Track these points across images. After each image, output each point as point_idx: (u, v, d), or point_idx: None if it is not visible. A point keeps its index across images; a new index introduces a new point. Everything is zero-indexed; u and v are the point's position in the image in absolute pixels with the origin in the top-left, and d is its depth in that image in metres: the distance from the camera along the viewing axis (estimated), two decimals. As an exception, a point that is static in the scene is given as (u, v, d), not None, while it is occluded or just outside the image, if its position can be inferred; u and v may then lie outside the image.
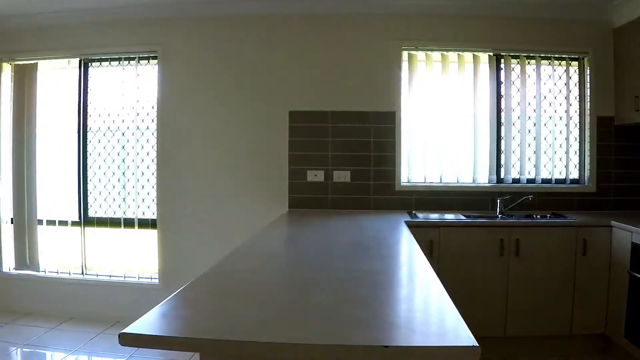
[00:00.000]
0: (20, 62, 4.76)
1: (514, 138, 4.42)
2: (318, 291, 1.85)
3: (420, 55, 4.42)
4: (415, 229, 3.43)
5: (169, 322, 1.50)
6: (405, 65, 4.38)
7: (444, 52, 4.39)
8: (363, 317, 1.54)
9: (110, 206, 4.69)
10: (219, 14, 4.40)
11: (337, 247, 2.74)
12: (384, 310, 1.65)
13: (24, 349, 4.01)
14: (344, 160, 4.32)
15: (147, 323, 1.45)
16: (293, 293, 1.87)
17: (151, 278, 4.63)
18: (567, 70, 4.39)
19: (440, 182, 4.39)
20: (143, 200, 4.62)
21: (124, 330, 1.36)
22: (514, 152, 4.42)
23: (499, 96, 4.41)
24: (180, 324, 1.50)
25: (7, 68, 4.79)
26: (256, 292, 1.86)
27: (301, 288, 1.92)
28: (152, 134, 4.55)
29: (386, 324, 1.49)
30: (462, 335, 1.34)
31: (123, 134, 4.62)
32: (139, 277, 4.65)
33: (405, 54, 4.38)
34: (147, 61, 4.59)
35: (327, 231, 3.28)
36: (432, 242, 3.68)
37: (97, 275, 4.76)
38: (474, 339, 1.29)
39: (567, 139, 4.39)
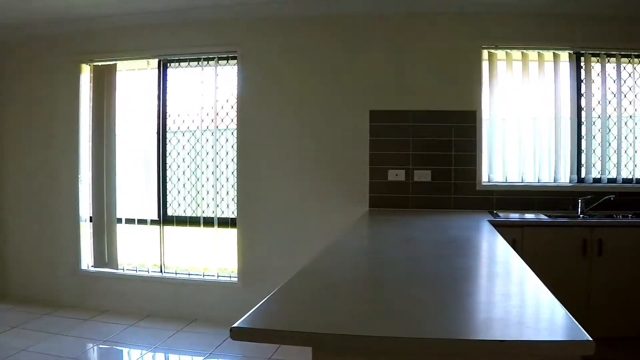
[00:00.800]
0: (99, 64, 5.17)
1: (594, 137, 4.71)
2: (418, 286, 2.01)
3: (500, 54, 4.82)
4: (498, 228, 3.70)
5: (275, 317, 1.63)
6: (485, 64, 4.71)
7: (524, 51, 4.73)
8: (470, 312, 1.68)
9: (189, 205, 5.27)
10: (299, 14, 4.73)
11: (427, 245, 2.97)
12: (489, 305, 1.77)
13: (101, 346, 4.42)
14: (424, 159, 4.64)
15: (254, 318, 1.57)
16: (393, 288, 2.00)
17: (230, 277, 4.99)
18: (648, 69, 4.59)
19: (521, 182, 4.73)
20: (222, 199, 5.16)
21: (235, 325, 1.47)
22: (594, 151, 4.68)
23: (579, 95, 4.69)
24: (286, 318, 1.62)
25: (87, 69, 5.24)
26: (355, 287, 2.02)
27: (400, 283, 2.07)
28: (232, 133, 5.04)
29: (495, 319, 1.59)
30: (573, 329, 1.42)
31: (202, 133, 5.21)
32: (217, 276, 5.06)
33: (485, 53, 4.71)
34: (226, 61, 5.05)
35: (413, 230, 3.54)
36: (514, 241, 3.90)
37: (176, 273, 5.19)
38: (587, 334, 1.36)
39: (649, 138, 4.57)
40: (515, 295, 1.94)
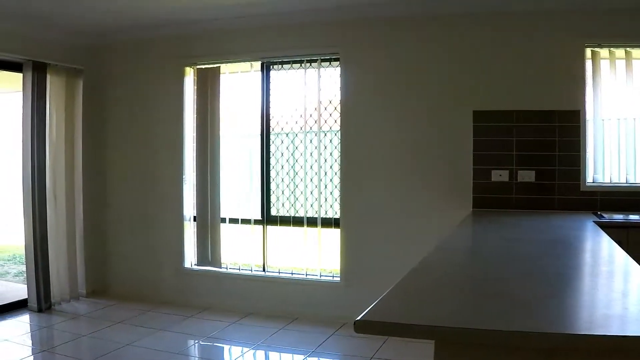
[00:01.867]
0: (203, 66, 6.50)
1: (702, 136, 5.63)
2: (533, 283, 2.39)
3: (603, 52, 5.63)
4: (603, 229, 4.09)
5: (396, 312, 1.97)
6: (588, 62, 5.60)
7: (628, 49, 5.61)
8: (588, 308, 1.99)
9: (292, 205, 6.38)
10: (400, 15, 5.80)
11: (535, 244, 3.50)
12: (608, 301, 2.06)
13: (203, 343, 5.48)
14: (528, 160, 5.59)
15: (376, 312, 1.91)
16: (508, 285, 2.38)
17: (332, 276, 6.19)
18: None
19: (627, 182, 5.62)
20: (326, 199, 6.28)
21: (358, 318, 1.81)
22: (703, 150, 5.56)
23: (686, 93, 5.68)
24: (407, 313, 1.98)
25: (190, 72, 6.54)
26: (469, 284, 2.46)
27: (514, 281, 2.47)
28: (335, 134, 6.18)
29: (613, 315, 1.86)
30: None
31: (306, 135, 6.29)
32: (320, 275, 6.25)
33: (588, 52, 5.60)
34: (328, 63, 6.17)
35: (518, 230, 4.25)
36: (619, 242, 4.53)
37: (279, 272, 6.41)
38: None
39: None
40: (633, 292, 2.27)
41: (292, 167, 6.33)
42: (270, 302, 6.33)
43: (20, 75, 6.49)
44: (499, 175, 5.65)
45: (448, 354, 1.86)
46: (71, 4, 5.74)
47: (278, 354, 5.33)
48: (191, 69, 6.63)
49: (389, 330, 1.88)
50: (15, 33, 6.23)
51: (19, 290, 7.37)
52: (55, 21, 6.38)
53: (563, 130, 5.53)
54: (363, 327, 1.82)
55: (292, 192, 6.35)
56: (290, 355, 5.26)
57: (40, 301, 6.45)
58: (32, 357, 5.25)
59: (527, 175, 5.61)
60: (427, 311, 2.01)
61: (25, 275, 6.98)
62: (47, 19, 6.26)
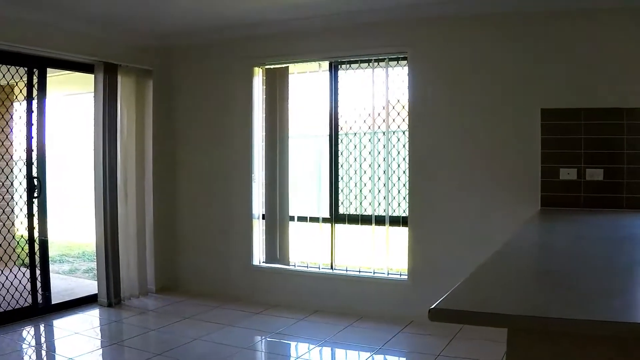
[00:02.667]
0: (272, 67, 7.62)
1: None
2: (604, 277, 2.63)
3: None
4: None
5: (468, 302, 2.22)
6: None
7: None
8: None
9: (361, 204, 7.27)
10: (467, 13, 6.60)
11: (605, 241, 3.86)
12: None
13: (270, 339, 6.28)
14: (596, 158, 6.26)
15: (450, 301, 2.14)
16: (578, 279, 2.63)
17: (400, 274, 7.16)
18: None
19: None
20: (394, 198, 7.14)
21: (432, 306, 2.05)
22: None
23: None
24: (480, 303, 2.22)
25: (259, 72, 7.66)
26: (539, 277, 2.77)
27: (584, 275, 2.71)
28: (403, 133, 7.06)
29: None
30: None
31: (374, 133, 7.16)
32: (387, 274, 7.21)
33: None
34: (396, 62, 7.09)
35: (588, 227, 4.73)
36: None
37: (346, 270, 7.41)
38: None
39: None
40: None
41: (360, 165, 7.31)
42: (338, 300, 7.31)
43: (91, 76, 7.67)
44: (567, 174, 6.28)
45: (521, 342, 2.09)
46: (141, 7, 6.88)
47: (344, 351, 6.04)
48: (260, 69, 7.76)
49: (463, 318, 2.13)
50: (87, 35, 7.46)
51: (88, 286, 8.74)
52: (126, 23, 7.60)
53: (631, 128, 6.13)
54: (437, 315, 2.05)
55: (360, 191, 7.29)
56: (357, 352, 5.93)
57: (110, 296, 7.61)
58: (101, 350, 6.24)
59: (595, 174, 6.23)
60: (499, 301, 2.29)
61: (94, 271, 8.23)
62: (118, 21, 7.48)
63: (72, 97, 11.73)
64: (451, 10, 6.58)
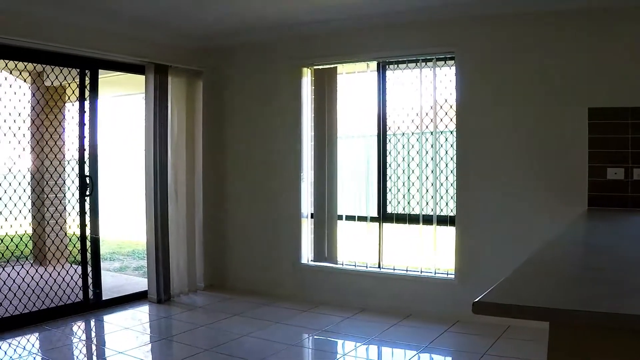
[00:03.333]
0: (320, 67, 7.85)
1: None
2: None
3: None
4: None
5: (511, 296, 2.32)
6: None
7: None
8: None
9: (408, 203, 7.41)
10: (514, 12, 6.67)
11: None
12: None
13: (317, 336, 6.47)
14: None
15: (493, 295, 2.25)
16: (623, 276, 2.70)
17: (447, 274, 7.31)
18: None
19: None
20: (441, 197, 7.26)
21: (476, 300, 2.14)
22: None
23: None
24: (523, 297, 2.32)
25: (308, 72, 7.88)
26: (584, 274, 2.87)
27: (630, 272, 2.79)
28: (451, 132, 7.18)
29: None
30: None
31: (422, 133, 7.29)
32: (435, 273, 7.36)
33: None
34: (443, 62, 7.23)
35: (635, 227, 4.87)
36: None
37: (394, 269, 7.59)
38: None
39: None
40: None
41: (408, 164, 7.48)
42: (385, 299, 7.49)
43: (139, 77, 8.00)
44: (614, 174, 6.32)
45: (562, 337, 2.13)
46: (189, 10, 7.12)
47: (390, 349, 6.21)
48: (308, 69, 8.00)
49: (506, 311, 2.14)
50: (137, 37, 7.82)
51: (138, 282, 9.10)
52: (176, 25, 7.90)
53: (680, 127, 6.35)
54: (481, 307, 2.13)
55: (408, 190, 7.48)
56: (403, 350, 6.10)
57: (159, 293, 7.90)
58: (150, 345, 6.54)
59: (643, 173, 6.45)
60: (542, 295, 2.37)
61: (144, 269, 8.49)
62: (168, 23, 7.78)
63: (120, 98, 12.11)
64: (498, 9, 6.67)
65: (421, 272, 7.44)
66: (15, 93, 6.90)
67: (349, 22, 7.48)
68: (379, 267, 7.68)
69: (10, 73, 7.20)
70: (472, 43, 6.96)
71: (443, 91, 7.30)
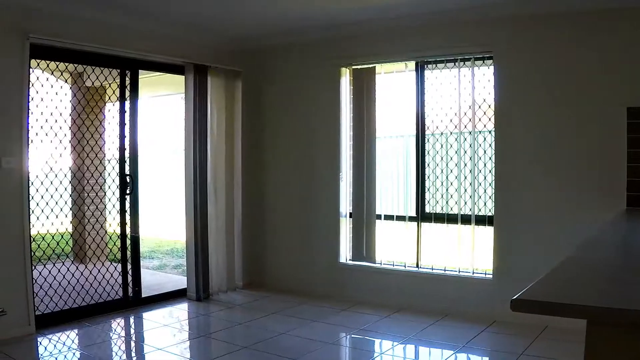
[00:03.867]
0: (359, 67, 8.00)
1: None
2: None
3: None
4: None
5: (549, 294, 2.36)
6: None
7: None
8: None
9: (447, 203, 7.48)
10: (552, 11, 6.68)
11: None
12: None
13: (355, 335, 6.60)
14: None
15: (532, 293, 2.30)
16: None
17: (485, 274, 7.42)
18: None
19: None
20: (479, 197, 7.31)
21: (515, 297, 2.20)
22: None
23: None
24: (561, 295, 2.37)
25: (346, 72, 8.00)
26: (621, 273, 2.89)
27: None
28: (489, 132, 7.24)
29: None
30: None
31: (460, 133, 7.36)
32: (473, 273, 7.45)
33: None
34: (482, 61, 7.29)
35: None
36: None
37: (432, 268, 7.69)
38: None
39: None
40: None
41: (447, 164, 7.59)
42: (422, 298, 7.60)
43: (177, 78, 8.22)
44: None
45: (599, 335, 2.14)
46: (228, 10, 7.32)
47: (427, 348, 6.31)
48: (347, 69, 8.16)
49: (545, 309, 2.19)
50: (177, 38, 8.03)
51: (177, 280, 9.33)
52: (215, 26, 8.10)
53: None
54: (519, 305, 2.17)
55: (446, 190, 7.60)
56: (440, 350, 6.18)
57: (199, 291, 8.11)
58: (189, 341, 6.71)
59: (680, 172, 6.51)
60: (580, 293, 2.41)
61: (183, 267, 8.69)
62: (207, 24, 7.96)
63: (158, 99, 12.32)
64: (536, 8, 6.74)
65: (459, 271, 7.55)
66: (56, 93, 7.11)
67: (387, 22, 7.61)
68: (417, 266, 7.79)
69: (52, 74, 7.38)
70: (511, 42, 7.03)
71: (481, 91, 7.39)
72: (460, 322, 6.86)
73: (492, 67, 7.19)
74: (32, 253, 6.59)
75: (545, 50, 6.72)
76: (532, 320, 5.83)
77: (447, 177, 7.63)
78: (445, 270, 7.63)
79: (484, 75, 7.35)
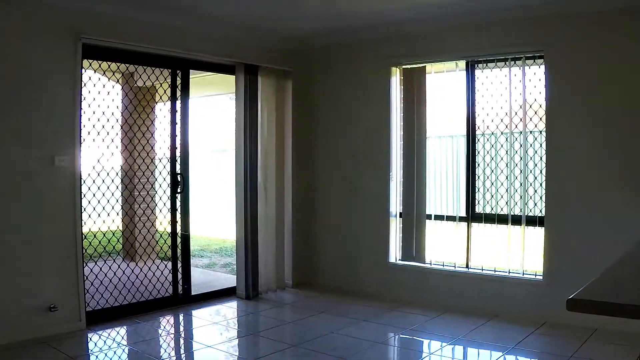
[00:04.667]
0: (409, 66, 8.18)
1: None
2: None
3: None
4: None
5: (605, 293, 2.42)
6: None
7: None
8: None
9: (497, 203, 7.55)
10: (605, 9, 6.64)
11: None
12: None
13: (403, 335, 6.71)
14: None
15: (587, 293, 2.34)
16: None
17: (535, 275, 7.49)
18: None
19: None
20: (530, 197, 7.36)
21: (570, 297, 2.24)
22: None
23: None
24: (615, 295, 2.41)
25: (397, 72, 8.18)
26: None
27: None
28: (540, 132, 7.32)
29: None
30: None
31: (511, 133, 7.41)
32: (523, 274, 7.54)
33: None
34: (532, 61, 7.38)
35: None
36: None
37: (482, 269, 7.80)
38: None
39: None
40: None
41: (497, 164, 7.70)
42: (472, 299, 7.71)
43: (227, 78, 8.46)
44: None
45: None
46: (278, 10, 7.49)
47: (476, 349, 6.31)
48: (397, 69, 8.33)
49: (600, 308, 2.22)
50: (227, 38, 8.25)
51: (226, 279, 9.59)
52: (265, 26, 8.32)
53: None
54: (574, 305, 2.21)
55: (496, 190, 7.70)
56: (488, 351, 6.19)
57: (248, 289, 8.32)
58: (237, 339, 6.89)
59: None
60: (634, 294, 2.42)
61: (232, 266, 8.98)
62: (257, 24, 8.18)
63: (208, 99, 12.54)
64: (587, 7, 6.73)
65: (509, 272, 7.62)
66: (108, 93, 7.37)
67: (437, 22, 7.73)
68: (467, 267, 7.91)
69: (104, 74, 7.59)
70: (562, 42, 7.05)
71: (532, 90, 7.47)
72: (509, 323, 6.89)
73: (542, 67, 7.30)
74: (84, 250, 6.84)
75: (596, 49, 6.69)
76: (582, 323, 6.00)
77: (497, 178, 7.72)
78: (495, 271, 7.71)
79: (535, 75, 7.43)
